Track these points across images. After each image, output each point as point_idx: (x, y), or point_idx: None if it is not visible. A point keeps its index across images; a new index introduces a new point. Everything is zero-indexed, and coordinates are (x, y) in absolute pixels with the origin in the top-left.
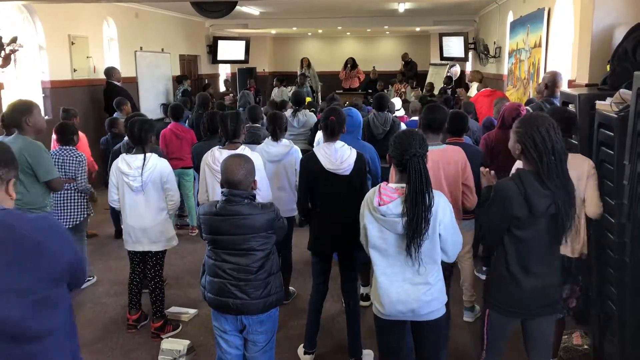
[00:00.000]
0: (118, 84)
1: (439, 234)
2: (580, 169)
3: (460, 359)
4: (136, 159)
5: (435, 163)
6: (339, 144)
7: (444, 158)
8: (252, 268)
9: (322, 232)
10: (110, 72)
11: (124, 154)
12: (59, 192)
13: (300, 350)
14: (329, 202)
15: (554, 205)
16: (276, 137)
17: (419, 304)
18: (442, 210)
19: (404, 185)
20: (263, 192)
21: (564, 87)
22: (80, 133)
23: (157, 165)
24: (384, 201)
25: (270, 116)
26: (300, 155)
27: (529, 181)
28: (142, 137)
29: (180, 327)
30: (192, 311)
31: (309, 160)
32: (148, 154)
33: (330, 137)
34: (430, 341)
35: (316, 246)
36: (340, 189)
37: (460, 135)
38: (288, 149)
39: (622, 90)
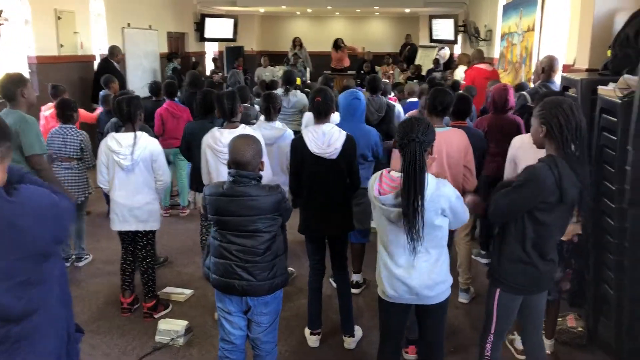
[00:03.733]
0: (117, 65)
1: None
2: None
3: (457, 339)
4: (127, 137)
5: (438, 144)
6: (328, 126)
7: (447, 140)
8: (258, 250)
9: (310, 215)
10: (113, 51)
11: (113, 133)
12: (60, 173)
13: (307, 331)
14: (316, 186)
15: (580, 193)
16: (270, 117)
17: (423, 287)
18: (446, 198)
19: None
20: (265, 172)
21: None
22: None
23: (148, 144)
24: (385, 190)
25: (264, 95)
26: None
27: (564, 168)
28: (131, 113)
29: (171, 306)
30: (188, 291)
31: (298, 143)
32: (139, 133)
33: (318, 118)
34: (435, 324)
35: (305, 229)
36: (327, 172)
37: (464, 119)
38: (282, 133)
39: (626, 76)
